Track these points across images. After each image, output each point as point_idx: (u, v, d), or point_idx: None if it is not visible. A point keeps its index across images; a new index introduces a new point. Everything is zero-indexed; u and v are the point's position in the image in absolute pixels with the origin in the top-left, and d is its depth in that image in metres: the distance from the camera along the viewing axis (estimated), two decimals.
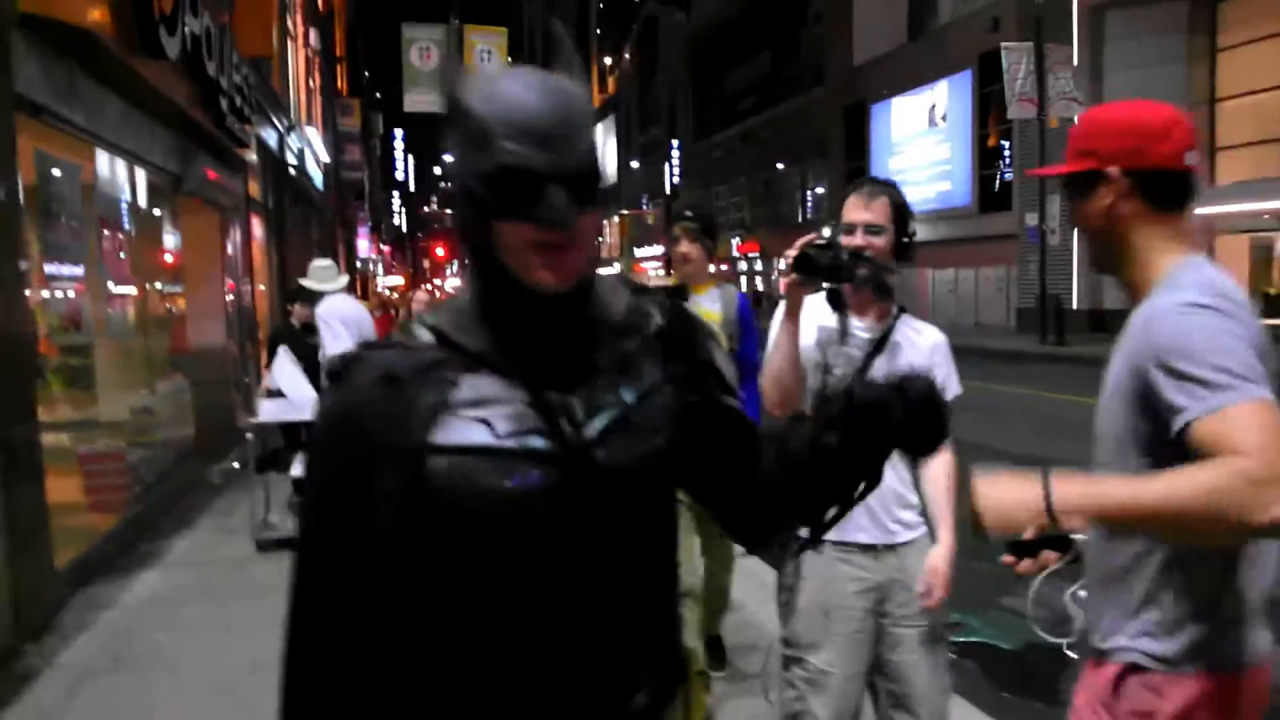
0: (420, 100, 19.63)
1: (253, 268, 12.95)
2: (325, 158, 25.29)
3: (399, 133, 50.61)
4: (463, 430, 1.14)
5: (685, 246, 4.02)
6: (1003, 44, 22.16)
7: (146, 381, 8.64)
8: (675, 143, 53.11)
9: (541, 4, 64.67)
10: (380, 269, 59.58)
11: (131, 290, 8.26)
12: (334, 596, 1.17)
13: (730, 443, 1.34)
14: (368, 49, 49.87)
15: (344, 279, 7.12)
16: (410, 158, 62.71)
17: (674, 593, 1.30)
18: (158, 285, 9.36)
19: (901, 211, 2.55)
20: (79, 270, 6.78)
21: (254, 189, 13.05)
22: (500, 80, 1.13)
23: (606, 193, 1.34)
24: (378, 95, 56.31)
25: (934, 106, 31.69)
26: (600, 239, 1.14)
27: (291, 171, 17.55)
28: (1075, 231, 2.00)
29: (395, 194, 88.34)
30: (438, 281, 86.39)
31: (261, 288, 14.06)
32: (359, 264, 44.06)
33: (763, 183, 45.18)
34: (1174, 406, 1.48)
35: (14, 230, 4.92)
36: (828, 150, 38.35)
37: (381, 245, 64.48)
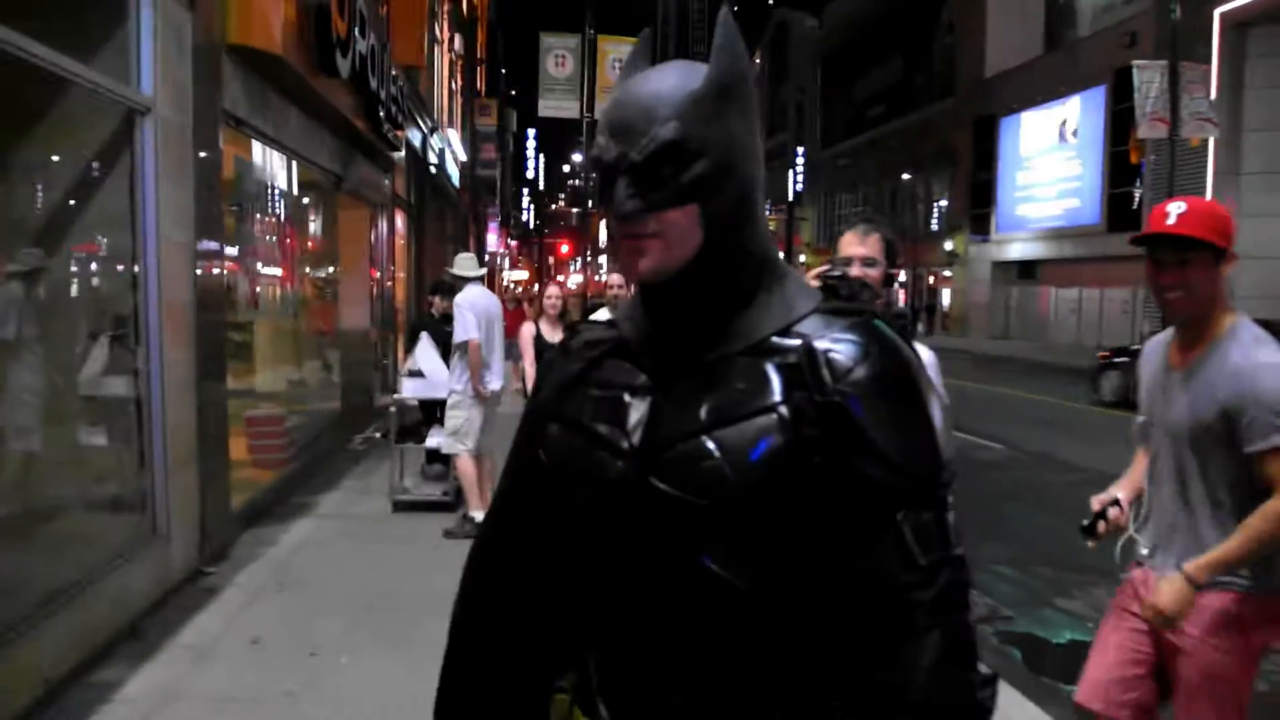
0: (554, 105, 20.72)
1: (394, 259, 14.11)
2: (463, 156, 26.68)
3: (531, 132, 52.20)
4: (578, 406, 1.22)
5: None
6: (1134, 62, 21.84)
7: (302, 357, 9.76)
8: (800, 150, 53.25)
9: (674, 11, 65.32)
10: (506, 263, 61.35)
11: (295, 276, 9.37)
12: (499, 510, 1.38)
13: (830, 562, 1.09)
14: (506, 49, 51.74)
15: (483, 270, 7.99)
16: (541, 157, 64.36)
17: (758, 645, 1.10)
18: (317, 272, 10.50)
19: (891, 247, 2.86)
20: (256, 257, 7.85)
21: (399, 186, 14.21)
22: (636, 75, 1.16)
23: (709, 180, 1.03)
24: (513, 92, 58.10)
25: (1065, 121, 31.20)
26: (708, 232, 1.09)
27: (432, 170, 18.76)
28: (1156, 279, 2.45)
29: (525, 191, 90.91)
30: (560, 278, 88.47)
31: (400, 276, 15.24)
32: (487, 257, 45.77)
33: (887, 193, 44.99)
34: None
35: (218, 224, 5.92)
36: (954, 162, 38.04)
37: (509, 240, 66.55)
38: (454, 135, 24.05)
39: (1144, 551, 2.57)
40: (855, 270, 2.69)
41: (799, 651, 1.10)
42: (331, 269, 10.96)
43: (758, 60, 69.43)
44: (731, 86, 1.11)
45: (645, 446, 1.13)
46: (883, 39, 44.56)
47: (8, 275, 4.89)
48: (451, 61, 24.84)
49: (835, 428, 1.06)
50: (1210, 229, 2.34)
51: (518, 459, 1.33)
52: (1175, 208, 2.38)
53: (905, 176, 41.44)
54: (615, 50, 21.20)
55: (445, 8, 22.38)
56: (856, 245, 2.80)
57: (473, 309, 6.58)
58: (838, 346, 1.08)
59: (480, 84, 38.18)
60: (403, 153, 13.11)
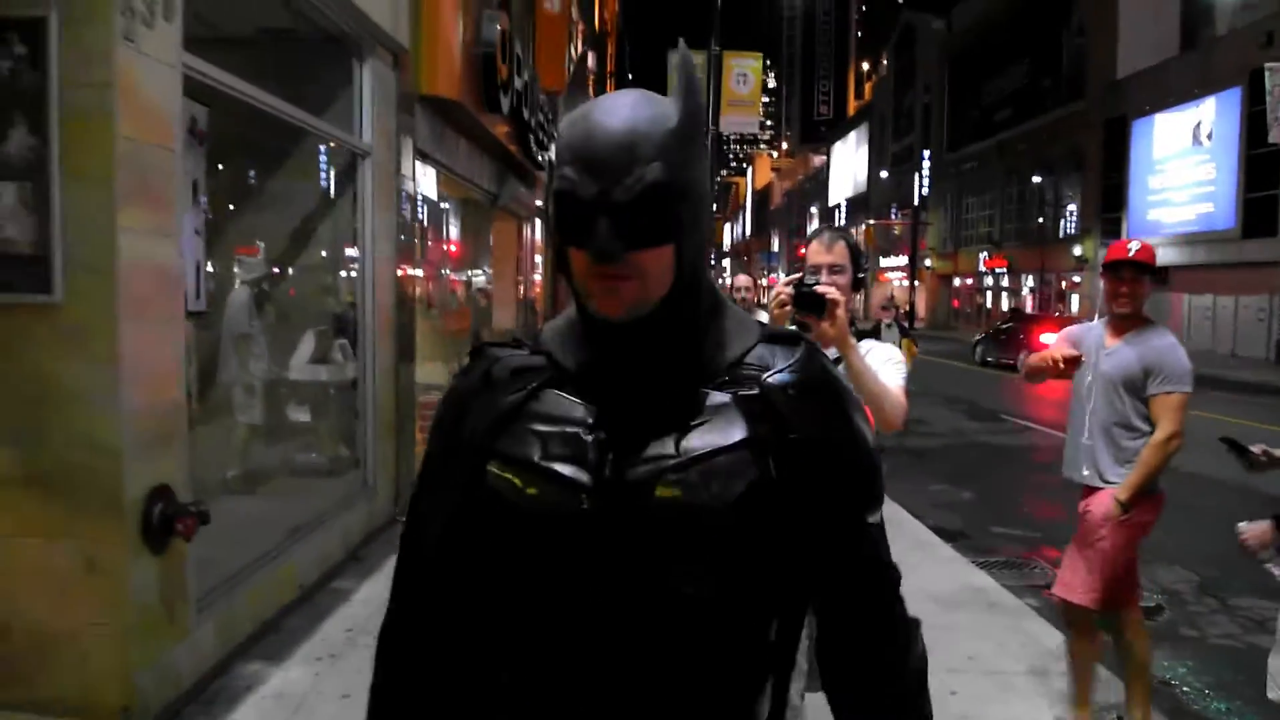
0: None
1: (536, 266, 15.53)
2: None
3: None
4: (521, 441, 1.15)
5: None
6: (1266, 65, 21.63)
7: (462, 353, 11.22)
8: (927, 153, 53.09)
9: (800, 22, 65.77)
10: None
11: (460, 281, 10.84)
12: (413, 558, 1.27)
13: (805, 564, 1.19)
14: (634, 59, 53.35)
15: None
16: None
17: (728, 666, 1.15)
18: (476, 278, 11.97)
19: (855, 252, 2.99)
20: (433, 265, 9.29)
21: (540, 199, 15.63)
22: (592, 105, 1.11)
23: (686, 220, 1.08)
24: None
25: (1199, 124, 30.63)
26: (691, 267, 1.15)
27: None
28: None
29: None
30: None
31: (539, 281, 16.68)
32: None
33: (1015, 196, 44.58)
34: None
35: (410, 240, 7.30)
36: (1084, 165, 37.59)
37: None
38: None
39: None
40: (825, 277, 2.83)
41: (776, 669, 1.20)
42: (487, 275, 12.40)
43: (884, 62, 69.11)
44: (701, 126, 1.13)
45: (612, 483, 1.11)
46: (1011, 40, 44.20)
47: (242, 281, 6.36)
48: (589, 79, 26.28)
49: (798, 455, 1.13)
50: (1152, 256, 3.64)
51: (437, 495, 1.25)
52: (1134, 245, 3.75)
53: (1034, 180, 41.10)
54: (739, 65, 22.23)
55: (580, 29, 23.84)
56: (824, 254, 2.94)
57: None
58: (790, 376, 1.15)
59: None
60: (545, 172, 14.48)
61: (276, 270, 6.91)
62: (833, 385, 1.19)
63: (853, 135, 73.90)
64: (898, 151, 61.95)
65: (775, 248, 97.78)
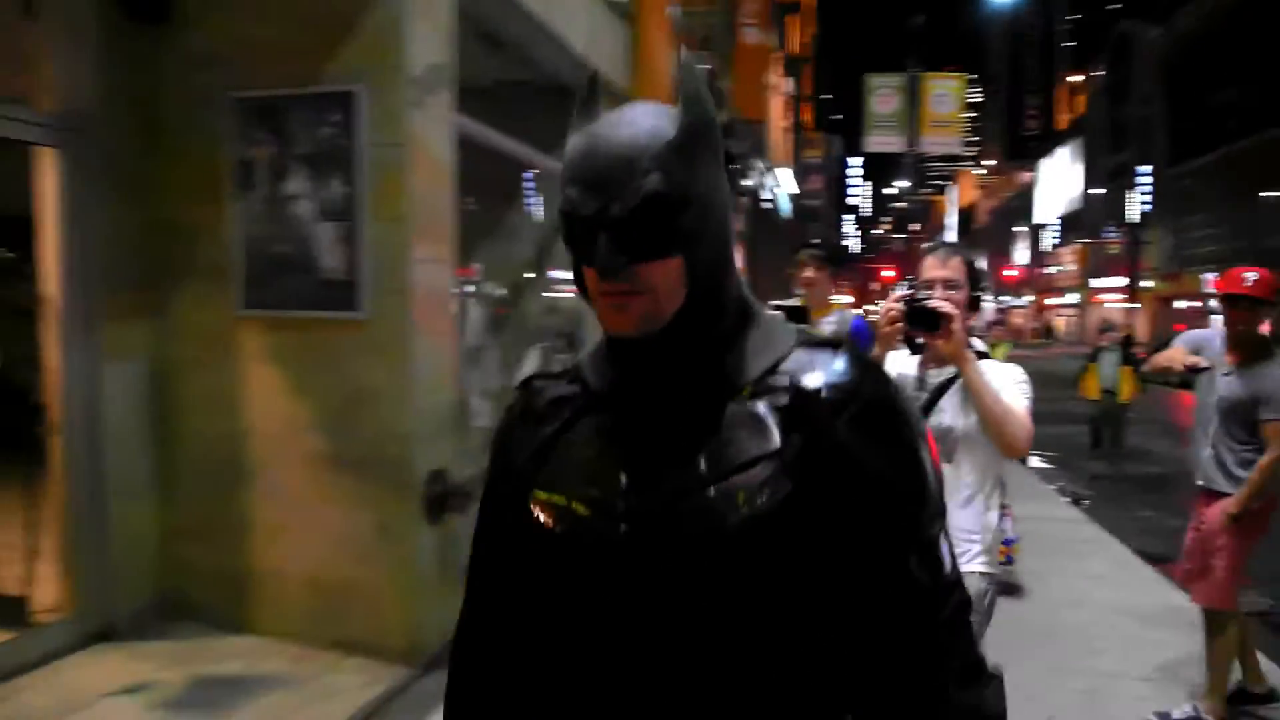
0: (880, 141, 21.95)
1: None
2: (793, 189, 28.57)
3: (855, 161, 53.33)
4: (558, 471, 1.17)
5: (810, 272, 4.52)
6: None
7: None
8: (1145, 168, 50.25)
9: (1005, 36, 63.79)
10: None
11: None
12: (475, 578, 1.31)
13: (844, 602, 1.10)
14: (831, 78, 53.41)
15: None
16: (867, 184, 65.19)
17: (782, 685, 1.09)
18: None
19: (972, 269, 2.87)
20: None
21: (738, 223, 16.22)
22: (596, 124, 1.10)
23: (692, 231, 1.09)
24: (837, 117, 59.52)
25: None
26: (713, 279, 1.13)
27: (765, 206, 20.72)
28: None
29: (849, 217, 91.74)
30: (880, 303, 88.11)
31: None
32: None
33: (1245, 213, 41.55)
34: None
35: None
36: None
37: None
38: (785, 173, 25.96)
39: None
40: (939, 293, 2.74)
41: (816, 692, 1.11)
42: None
43: (1096, 74, 65.92)
44: (704, 134, 1.09)
45: (643, 505, 1.10)
46: (1237, 47, 41.35)
47: (479, 300, 7.20)
48: (783, 103, 26.82)
49: (835, 468, 1.06)
50: (1270, 290, 3.96)
51: (490, 529, 1.28)
52: (1250, 276, 3.96)
53: (1266, 195, 38.16)
54: (938, 86, 22.04)
55: (772, 43, 24.37)
56: (939, 268, 2.84)
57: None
58: (827, 383, 1.09)
59: (806, 116, 40.13)
60: (745, 197, 15.07)
61: (504, 290, 7.77)
62: (877, 391, 1.11)
63: (1062, 151, 70.73)
64: (1112, 167, 58.86)
65: (981, 267, 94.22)
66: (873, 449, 1.08)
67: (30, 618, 4.38)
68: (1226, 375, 4.01)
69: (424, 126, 4.27)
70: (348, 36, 4.07)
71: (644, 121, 1.08)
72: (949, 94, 22.09)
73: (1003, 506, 3.99)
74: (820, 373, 1.10)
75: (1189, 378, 4.13)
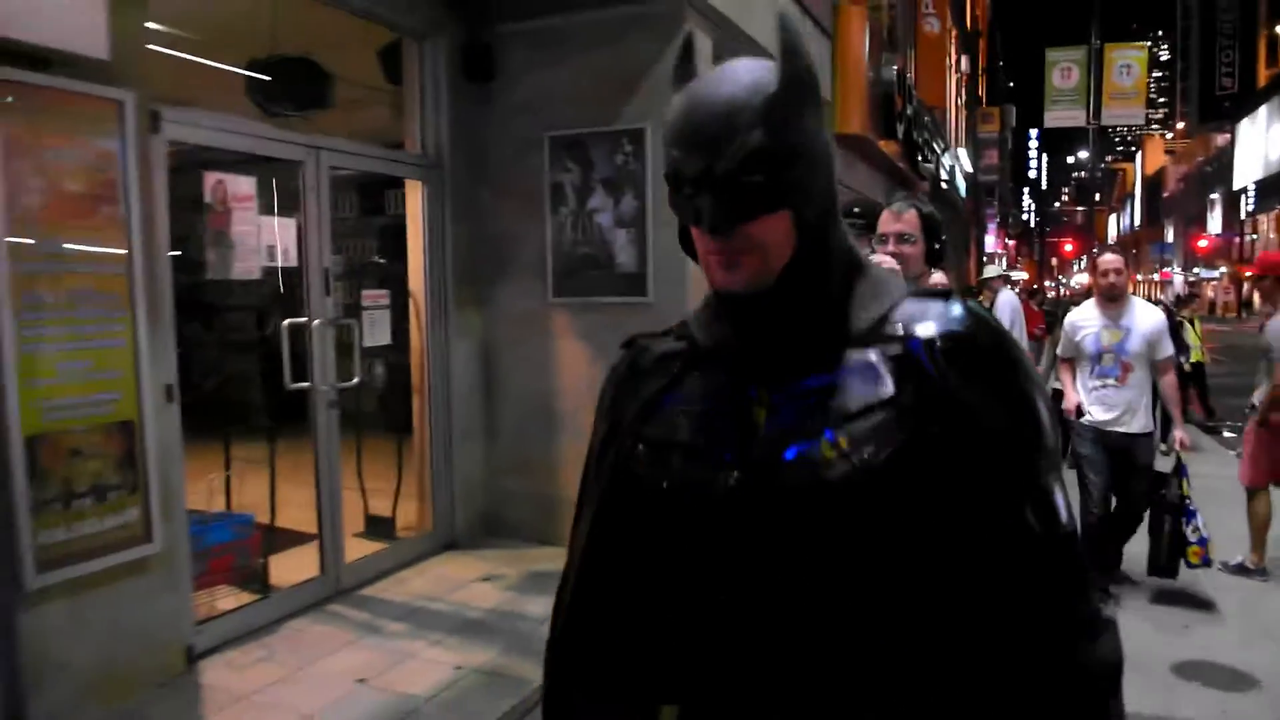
0: (1061, 116, 22.02)
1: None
2: (968, 167, 28.64)
3: (1034, 132, 51.91)
4: (667, 424, 1.17)
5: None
6: None
7: None
8: None
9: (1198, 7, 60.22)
10: (1004, 262, 61.20)
11: None
12: (582, 530, 1.30)
13: (961, 560, 1.06)
14: (1005, 47, 51.97)
15: (1005, 271, 10.05)
16: (1044, 156, 63.03)
17: (896, 643, 1.06)
18: None
19: (929, 222, 2.80)
20: None
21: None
22: (695, 82, 1.09)
23: (798, 185, 1.06)
24: (1010, 85, 57.61)
25: None
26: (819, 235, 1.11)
27: (943, 186, 21.14)
28: None
29: (1025, 190, 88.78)
30: (1062, 278, 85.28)
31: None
32: (985, 257, 46.70)
33: None
34: None
35: None
36: None
37: (1006, 240, 66.16)
38: (962, 153, 26.14)
39: None
40: (890, 247, 2.70)
41: (930, 648, 1.06)
42: None
43: None
44: (805, 86, 1.07)
45: (760, 455, 1.09)
46: None
47: None
48: (958, 80, 26.94)
49: (950, 416, 1.05)
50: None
51: (598, 487, 1.27)
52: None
53: None
54: (1121, 57, 21.86)
55: (953, 33, 24.57)
56: (892, 222, 2.80)
57: (1007, 307, 7.89)
58: (940, 332, 1.08)
59: (981, 91, 39.58)
60: (926, 181, 15.75)
61: None
62: (991, 339, 1.10)
63: (1263, 109, 66.16)
64: None
65: (1170, 239, 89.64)
66: (988, 397, 1.06)
67: (396, 532, 5.89)
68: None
69: None
70: (637, 86, 5.31)
71: (744, 77, 1.07)
72: (1134, 64, 21.88)
73: (1187, 501, 4.91)
74: (933, 322, 1.09)
75: None
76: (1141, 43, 22.83)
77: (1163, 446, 5.84)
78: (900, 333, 1.10)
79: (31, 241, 3.29)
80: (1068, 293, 68.63)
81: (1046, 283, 59.03)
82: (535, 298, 5.73)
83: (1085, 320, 5.15)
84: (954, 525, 1.06)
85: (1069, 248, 79.97)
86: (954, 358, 1.07)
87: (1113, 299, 5.08)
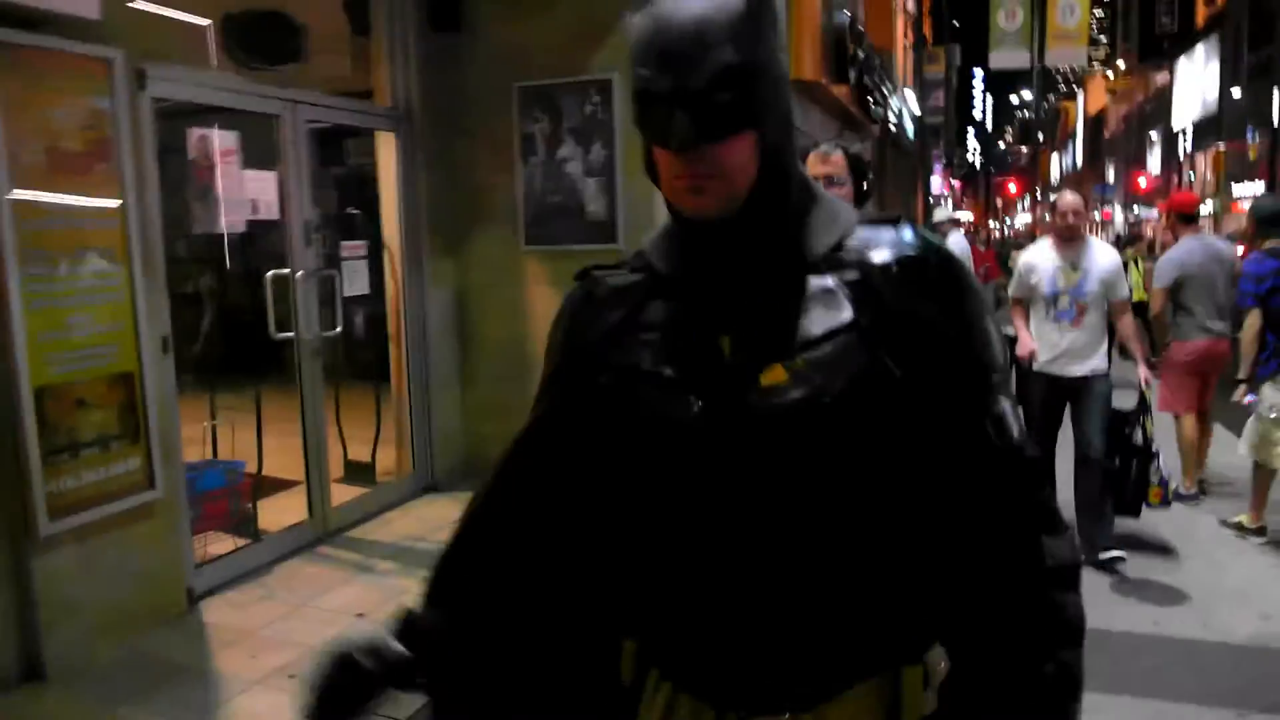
0: (1006, 57, 22.23)
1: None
2: (916, 111, 28.90)
3: (978, 73, 52.21)
4: (630, 352, 1.17)
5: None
6: None
7: None
8: None
9: None
10: (950, 204, 61.82)
11: None
12: (518, 459, 1.30)
13: (927, 466, 1.11)
14: None
15: (952, 214, 10.38)
16: (989, 96, 63.46)
17: (878, 570, 1.11)
18: None
19: (856, 162, 2.84)
20: None
21: (868, 149, 17.11)
22: (659, 1, 1.06)
23: (765, 103, 1.07)
24: (955, 23, 57.73)
25: None
26: (775, 159, 1.10)
27: (892, 129, 21.40)
28: None
29: (971, 131, 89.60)
30: (1007, 219, 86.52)
31: None
32: (931, 199, 47.17)
33: None
34: None
35: None
36: None
37: (952, 181, 66.86)
38: (909, 94, 26.38)
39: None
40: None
41: (905, 564, 1.11)
42: None
43: None
44: (767, 3, 1.08)
45: (726, 381, 1.10)
46: None
47: None
48: (905, 22, 27.09)
49: (908, 336, 1.08)
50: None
51: (549, 418, 1.27)
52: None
53: None
54: None
55: None
56: (819, 165, 2.82)
57: (956, 249, 9.16)
58: (894, 257, 1.11)
59: (927, 31, 39.68)
60: (877, 124, 15.98)
61: None
62: (940, 262, 1.13)
63: (1200, 49, 67.05)
64: (1255, 64, 55.77)
65: (1111, 179, 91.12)
66: (942, 316, 1.10)
67: (377, 477, 6.07)
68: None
69: None
70: (606, 37, 5.42)
71: None
72: (1075, 5, 22.13)
73: (1150, 444, 4.78)
74: (886, 247, 1.12)
75: None
76: None
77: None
78: (855, 259, 1.12)
79: (33, 199, 3.38)
80: (1012, 233, 69.72)
81: (991, 223, 59.89)
82: (507, 246, 5.88)
83: (1041, 260, 5.05)
84: (917, 441, 1.10)
85: (1013, 188, 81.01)
86: (907, 280, 1.10)
87: (1070, 240, 4.97)
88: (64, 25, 3.41)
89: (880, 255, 1.12)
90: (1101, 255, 4.95)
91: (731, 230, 1.10)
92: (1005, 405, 1.14)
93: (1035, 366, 4.98)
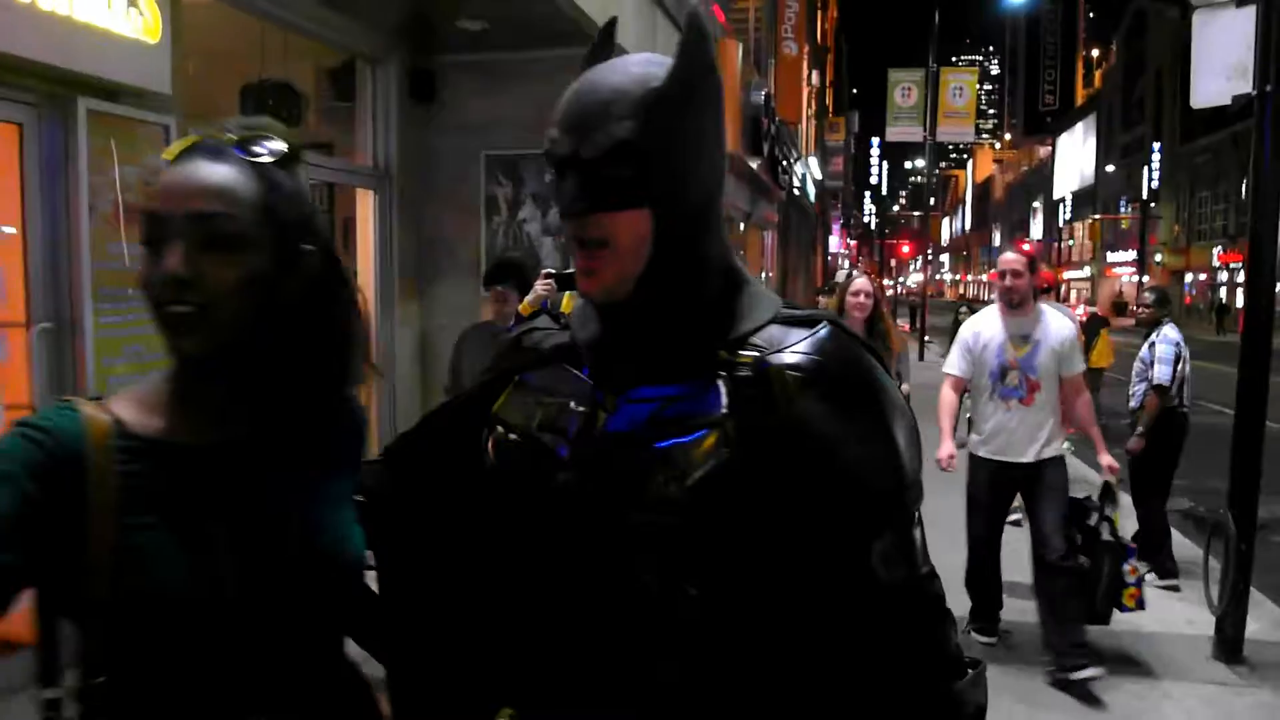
0: (902, 131, 24.06)
1: (773, 267, 18.29)
2: (818, 176, 30.64)
3: (875, 141, 55.07)
4: (519, 410, 1.17)
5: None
6: None
7: None
8: (1157, 145, 51.84)
9: (1024, 31, 64.75)
10: (846, 263, 64.53)
11: None
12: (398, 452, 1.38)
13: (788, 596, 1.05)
14: (850, 60, 54.94)
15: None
16: (885, 164, 66.77)
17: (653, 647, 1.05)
18: None
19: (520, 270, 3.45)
20: None
21: (775, 212, 18.35)
22: (593, 68, 1.09)
23: (662, 186, 1.05)
24: (855, 91, 60.69)
25: None
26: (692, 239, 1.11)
27: (795, 192, 22.82)
28: None
29: (867, 194, 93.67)
30: (901, 278, 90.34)
31: (771, 276, 19.44)
32: (829, 258, 49.44)
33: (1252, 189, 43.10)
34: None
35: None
36: None
37: (849, 240, 69.77)
38: (812, 161, 28.02)
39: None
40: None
41: (752, 674, 1.05)
42: None
43: (1113, 49, 67.18)
44: (695, 87, 1.06)
45: (587, 457, 1.08)
46: None
47: None
48: (809, 94, 28.82)
49: (789, 448, 1.02)
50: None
51: (438, 433, 1.32)
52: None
53: None
54: (955, 79, 23.94)
55: (805, 50, 26.34)
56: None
57: None
58: (794, 360, 1.05)
59: (829, 101, 41.98)
60: (783, 190, 17.23)
61: None
62: (853, 373, 1.07)
63: (1079, 126, 72.12)
64: (1127, 143, 60.33)
65: (996, 243, 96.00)
66: (834, 427, 1.03)
67: None
68: None
69: None
70: None
71: (635, 69, 1.06)
72: (965, 87, 24.00)
73: (1119, 539, 4.16)
74: (792, 348, 1.06)
75: None
76: (971, 67, 25.30)
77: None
78: (754, 355, 1.07)
79: (103, 244, 4.01)
80: (905, 291, 72.89)
81: (885, 281, 62.70)
82: (469, 293, 6.61)
83: (987, 330, 4.42)
84: (784, 560, 1.04)
85: (905, 249, 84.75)
86: (806, 388, 1.04)
87: (1017, 306, 4.35)
88: (138, 96, 4.07)
89: (779, 357, 1.06)
90: (1055, 324, 4.32)
91: (624, 312, 1.11)
92: (902, 536, 1.07)
93: (982, 452, 4.42)
